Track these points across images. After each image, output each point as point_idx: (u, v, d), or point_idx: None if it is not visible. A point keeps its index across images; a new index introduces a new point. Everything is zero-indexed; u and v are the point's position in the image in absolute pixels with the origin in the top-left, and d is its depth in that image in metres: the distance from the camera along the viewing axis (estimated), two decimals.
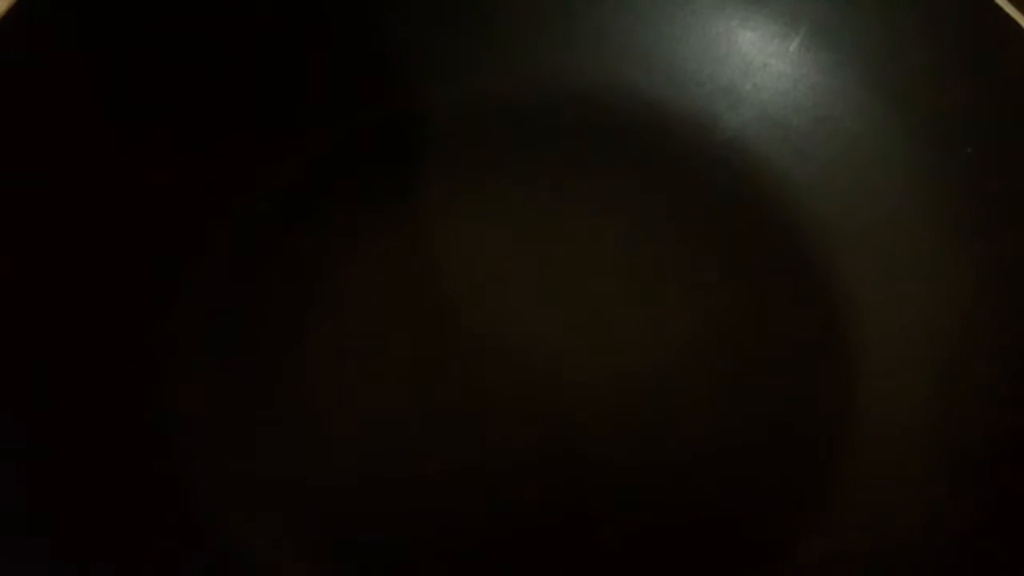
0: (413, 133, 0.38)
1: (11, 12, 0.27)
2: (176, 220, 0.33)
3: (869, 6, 0.35)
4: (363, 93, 0.37)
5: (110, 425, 0.30)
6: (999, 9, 0.32)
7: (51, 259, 0.30)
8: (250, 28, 0.35)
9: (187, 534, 0.29)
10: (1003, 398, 0.31)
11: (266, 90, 0.36)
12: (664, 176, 0.38)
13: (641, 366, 0.34)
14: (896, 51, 0.34)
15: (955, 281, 0.34)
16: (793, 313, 0.36)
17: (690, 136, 0.38)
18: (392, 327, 0.34)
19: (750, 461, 0.33)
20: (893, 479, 0.32)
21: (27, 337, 0.29)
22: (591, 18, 0.38)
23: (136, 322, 0.32)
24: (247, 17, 0.35)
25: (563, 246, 0.36)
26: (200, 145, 0.34)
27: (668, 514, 0.32)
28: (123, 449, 0.29)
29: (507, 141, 0.38)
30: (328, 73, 0.37)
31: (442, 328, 0.34)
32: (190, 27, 0.34)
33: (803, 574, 0.30)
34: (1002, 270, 0.33)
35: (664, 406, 0.34)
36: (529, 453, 0.32)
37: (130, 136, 0.32)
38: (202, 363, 0.32)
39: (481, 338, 0.34)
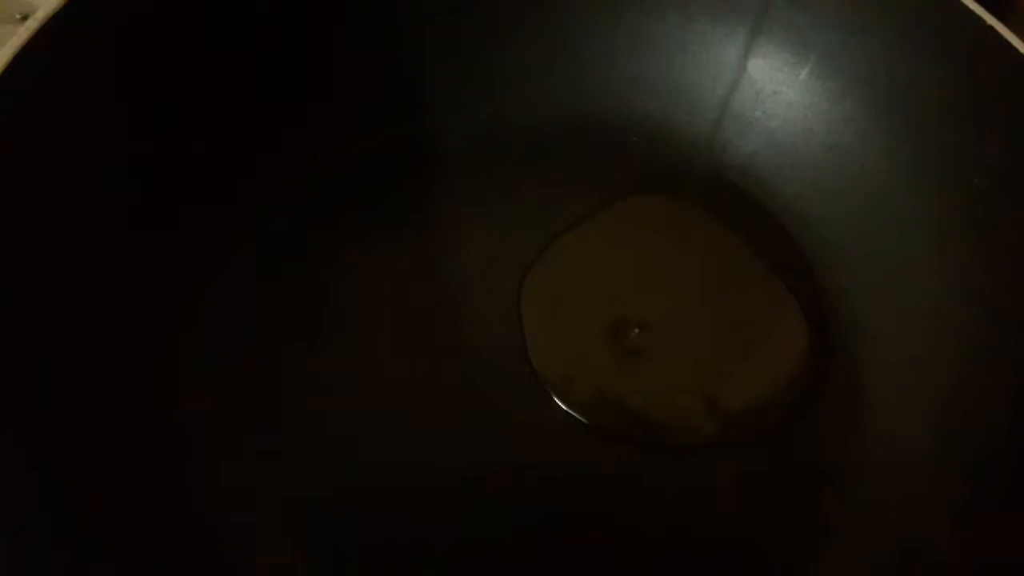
0: (425, 154, 0.38)
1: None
2: (196, 236, 0.34)
3: (879, 36, 0.35)
4: (378, 115, 0.38)
5: (120, 424, 0.30)
6: (1007, 43, 0.32)
7: (68, 263, 0.30)
8: (271, 52, 0.36)
9: (189, 530, 0.29)
10: (1008, 423, 0.32)
11: (286, 111, 0.36)
12: (673, 200, 0.38)
13: (649, 385, 0.35)
14: (905, 81, 0.35)
15: (961, 306, 0.34)
16: (800, 336, 0.36)
17: (700, 161, 0.39)
18: (398, 340, 0.34)
19: (755, 485, 0.33)
20: (895, 502, 0.32)
21: (48, 338, 0.29)
22: (604, 46, 0.39)
23: (151, 330, 0.32)
24: (271, 40, 0.35)
25: (570, 265, 0.37)
26: (220, 163, 0.35)
27: (676, 537, 0.32)
28: (132, 447, 0.30)
29: (518, 162, 0.39)
30: (345, 96, 0.37)
31: (449, 342, 0.34)
32: (212, 52, 0.34)
33: None
34: (1007, 297, 0.33)
35: (668, 425, 0.34)
36: (531, 466, 0.32)
37: (155, 153, 0.33)
38: (212, 369, 0.33)
39: (488, 351, 0.34)
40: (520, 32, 0.38)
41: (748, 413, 0.34)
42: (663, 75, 0.39)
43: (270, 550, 0.30)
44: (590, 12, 0.39)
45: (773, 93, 0.38)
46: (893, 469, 0.33)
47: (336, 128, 0.37)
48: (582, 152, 0.39)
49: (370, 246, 0.36)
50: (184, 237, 0.33)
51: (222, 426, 0.32)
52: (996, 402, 0.32)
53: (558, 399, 0.34)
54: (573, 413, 0.33)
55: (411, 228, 0.37)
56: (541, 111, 0.39)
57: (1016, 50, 0.32)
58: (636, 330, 0.35)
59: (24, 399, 0.28)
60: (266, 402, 0.33)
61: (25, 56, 0.28)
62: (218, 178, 0.34)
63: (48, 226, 0.29)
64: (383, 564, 0.30)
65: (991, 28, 0.32)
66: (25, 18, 0.29)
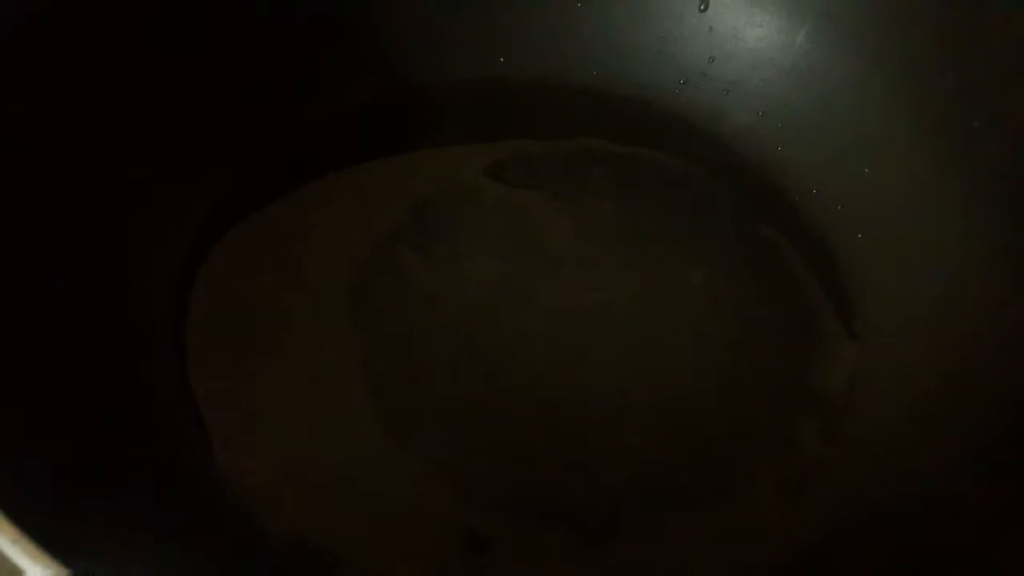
0: (412, 112, 0.39)
1: None
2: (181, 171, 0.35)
3: None
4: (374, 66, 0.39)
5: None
6: None
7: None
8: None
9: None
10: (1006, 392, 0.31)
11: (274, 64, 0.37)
12: (673, 167, 0.38)
13: (649, 348, 0.34)
14: (900, 37, 0.35)
15: (964, 263, 0.34)
16: (804, 298, 0.36)
17: (699, 129, 0.39)
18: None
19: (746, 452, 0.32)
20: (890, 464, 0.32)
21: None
22: (603, 17, 0.39)
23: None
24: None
25: (567, 233, 0.37)
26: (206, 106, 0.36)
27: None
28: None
29: (514, 130, 0.39)
30: (346, 42, 0.38)
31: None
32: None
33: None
34: (1012, 248, 0.33)
35: (672, 380, 0.34)
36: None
37: (149, 94, 0.34)
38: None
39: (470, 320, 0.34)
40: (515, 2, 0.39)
41: None
42: (660, 46, 0.39)
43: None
44: None
45: (769, 60, 0.38)
46: (886, 437, 0.32)
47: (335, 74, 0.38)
48: (582, 122, 0.39)
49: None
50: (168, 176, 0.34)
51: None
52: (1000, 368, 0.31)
53: None
54: None
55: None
56: (538, 81, 0.39)
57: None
58: None
59: None
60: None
61: None
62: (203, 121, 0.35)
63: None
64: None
65: None
66: None
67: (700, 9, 0.39)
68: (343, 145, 0.38)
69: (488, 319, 0.35)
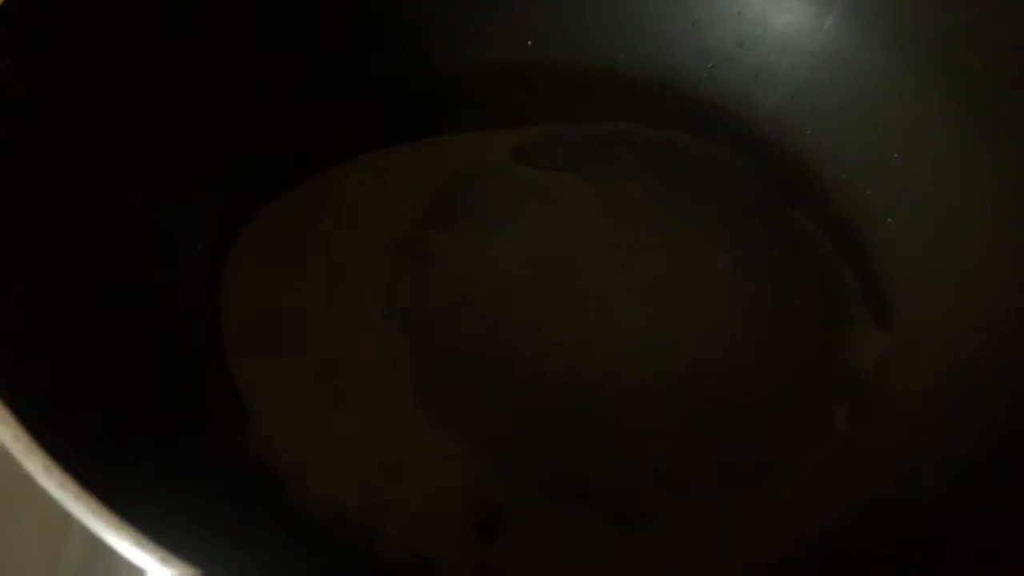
0: (440, 96, 0.39)
1: None
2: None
3: None
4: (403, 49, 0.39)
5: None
6: None
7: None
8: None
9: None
10: None
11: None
12: (701, 151, 0.39)
13: (677, 331, 0.35)
14: (929, 21, 0.35)
15: (994, 249, 0.34)
16: (832, 282, 0.36)
17: (728, 113, 0.39)
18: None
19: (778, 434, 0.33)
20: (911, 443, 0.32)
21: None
22: (632, 3, 0.39)
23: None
24: None
25: (594, 216, 0.37)
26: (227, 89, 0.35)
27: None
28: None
29: (541, 114, 0.39)
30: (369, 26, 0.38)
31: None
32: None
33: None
34: None
35: (701, 363, 0.34)
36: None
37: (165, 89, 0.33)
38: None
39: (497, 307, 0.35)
40: None
41: None
42: (688, 32, 0.39)
43: None
44: None
45: (798, 45, 0.38)
46: (908, 419, 0.32)
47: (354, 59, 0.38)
48: (610, 107, 0.39)
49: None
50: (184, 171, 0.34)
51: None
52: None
53: None
54: None
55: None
56: (565, 67, 0.39)
57: None
58: None
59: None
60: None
61: None
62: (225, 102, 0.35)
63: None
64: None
65: None
66: None
67: None
68: (371, 129, 0.38)
69: (516, 301, 0.35)
